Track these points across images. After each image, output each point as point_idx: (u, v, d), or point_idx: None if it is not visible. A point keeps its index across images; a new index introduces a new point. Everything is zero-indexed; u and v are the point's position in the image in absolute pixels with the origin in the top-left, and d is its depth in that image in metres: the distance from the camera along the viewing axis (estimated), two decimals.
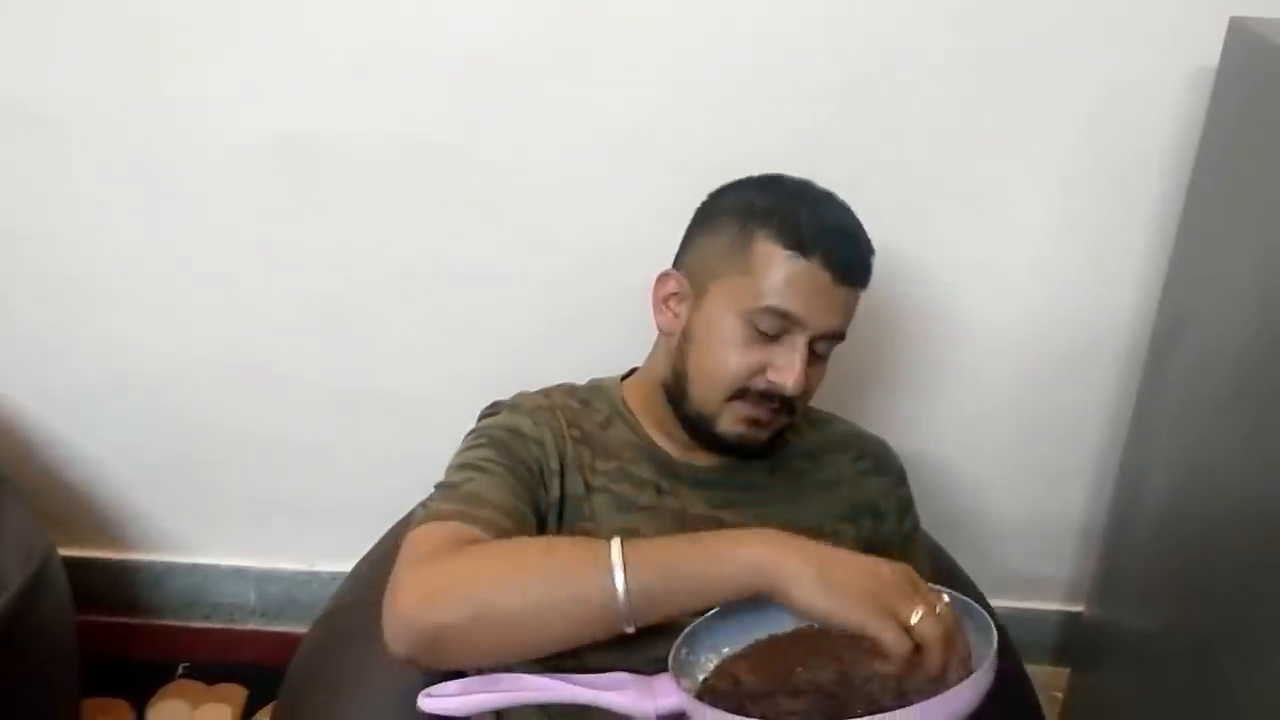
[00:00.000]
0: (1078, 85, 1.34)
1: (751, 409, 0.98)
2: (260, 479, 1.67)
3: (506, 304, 1.51)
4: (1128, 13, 1.30)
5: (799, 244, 0.95)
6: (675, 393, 1.02)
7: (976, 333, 1.50)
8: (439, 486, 0.97)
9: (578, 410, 1.07)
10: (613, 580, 0.80)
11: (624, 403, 1.09)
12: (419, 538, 0.89)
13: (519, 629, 0.82)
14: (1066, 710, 1.66)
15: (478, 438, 1.01)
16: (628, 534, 0.86)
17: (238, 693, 1.70)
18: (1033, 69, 1.33)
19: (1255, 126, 1.16)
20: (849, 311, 1.00)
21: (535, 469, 0.99)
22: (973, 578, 1.35)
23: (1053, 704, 1.67)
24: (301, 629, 1.32)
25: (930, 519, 1.20)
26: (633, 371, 1.15)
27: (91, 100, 1.40)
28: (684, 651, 0.85)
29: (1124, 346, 1.50)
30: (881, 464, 1.12)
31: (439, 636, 0.83)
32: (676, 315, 1.03)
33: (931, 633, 0.75)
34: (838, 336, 0.99)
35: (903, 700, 0.76)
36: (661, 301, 1.05)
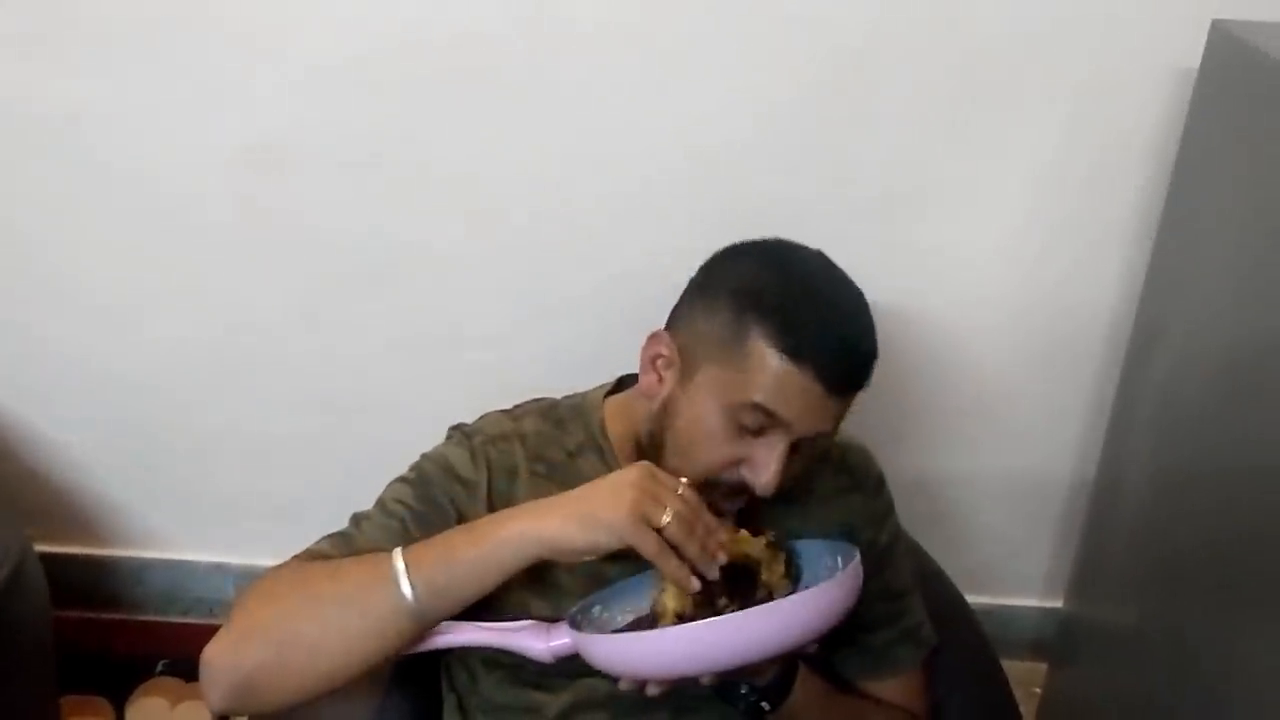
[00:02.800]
0: (1058, 84, 1.35)
1: (720, 498, 0.95)
2: (238, 475, 1.66)
3: (485, 301, 1.51)
4: (1110, 12, 1.30)
5: (795, 350, 0.89)
6: (650, 454, 0.98)
7: (953, 329, 1.51)
8: (351, 519, 1.01)
9: (548, 436, 1.05)
10: (399, 589, 0.87)
11: (602, 428, 1.05)
12: (260, 579, 0.93)
13: (326, 656, 0.88)
14: (1044, 705, 1.67)
15: (412, 469, 1.04)
16: (596, 577, 0.96)
17: None
18: (1013, 66, 1.34)
19: (1236, 128, 1.17)
20: (841, 416, 0.95)
21: (450, 513, 0.98)
22: (950, 574, 1.36)
23: (1031, 699, 1.68)
24: None
25: (906, 516, 1.21)
26: (620, 383, 1.11)
27: (62, 102, 1.39)
28: (597, 609, 0.94)
29: (1103, 343, 1.51)
30: (858, 477, 1.10)
31: (249, 681, 0.88)
32: (661, 381, 0.98)
33: (677, 529, 0.85)
34: (826, 436, 0.96)
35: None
36: (650, 361, 0.99)
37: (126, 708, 1.67)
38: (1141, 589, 1.36)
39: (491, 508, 0.98)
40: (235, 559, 1.74)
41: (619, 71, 1.35)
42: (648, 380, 0.99)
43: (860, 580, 0.89)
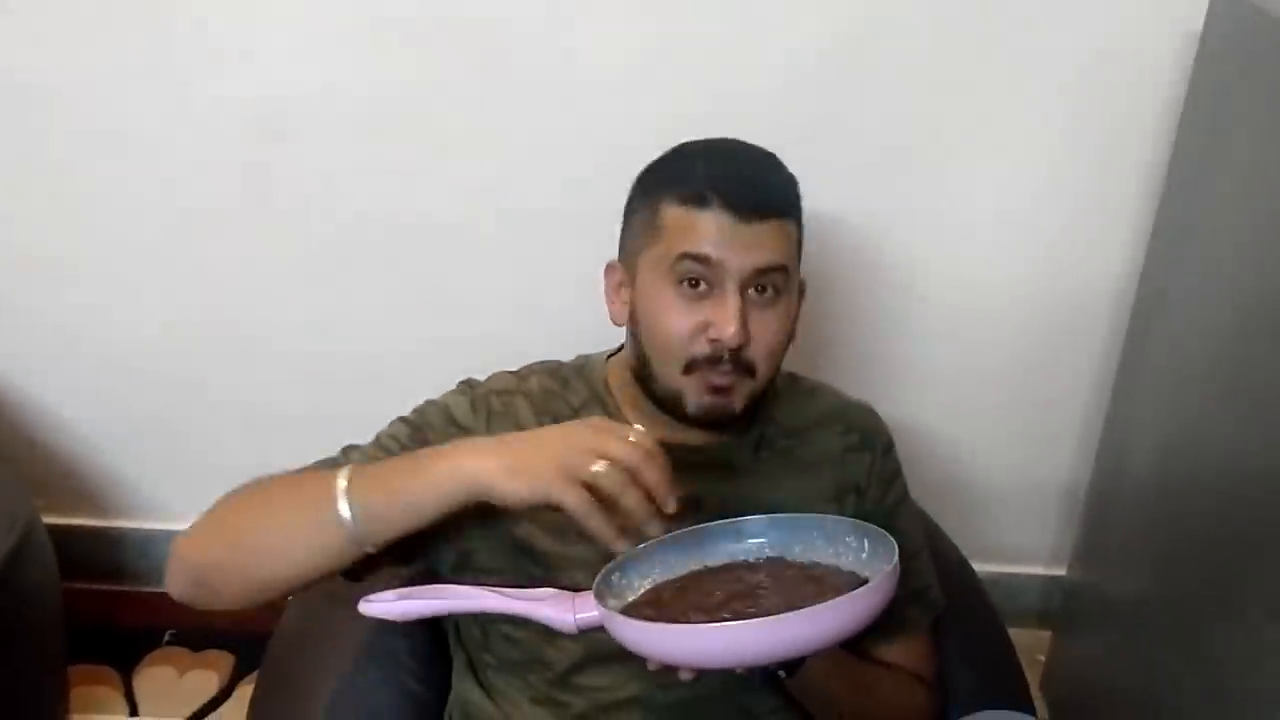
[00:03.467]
0: (1061, 50, 1.34)
1: (709, 377, 0.96)
2: (243, 446, 1.64)
3: (488, 273, 1.51)
4: None
5: (697, 196, 0.94)
6: (643, 376, 1.01)
7: (960, 299, 1.51)
8: (342, 449, 1.02)
9: (553, 393, 1.06)
10: (337, 508, 0.85)
11: (605, 385, 1.07)
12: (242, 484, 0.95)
13: (269, 563, 0.89)
14: (1048, 673, 1.68)
15: (414, 411, 1.05)
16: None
17: (225, 659, 1.70)
18: (1016, 33, 1.33)
19: (1240, 92, 1.16)
20: (778, 246, 0.96)
21: None
22: (957, 542, 1.36)
23: (1035, 666, 1.69)
24: None
25: (914, 485, 1.21)
26: (623, 348, 1.13)
27: (60, 67, 1.39)
28: (616, 576, 0.90)
29: (1108, 312, 1.51)
30: (867, 437, 1.10)
31: (204, 576, 0.92)
32: (625, 303, 1.02)
33: (610, 481, 0.79)
34: (776, 272, 0.96)
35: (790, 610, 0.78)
36: (613, 292, 1.04)
37: (134, 677, 1.68)
38: (1146, 557, 1.36)
39: None
40: None
41: (627, 40, 1.34)
42: (614, 309, 1.04)
43: (898, 576, 0.85)
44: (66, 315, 1.57)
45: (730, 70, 1.36)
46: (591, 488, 0.79)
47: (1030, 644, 1.71)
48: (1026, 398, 1.59)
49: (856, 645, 1.09)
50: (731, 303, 0.93)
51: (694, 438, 1.03)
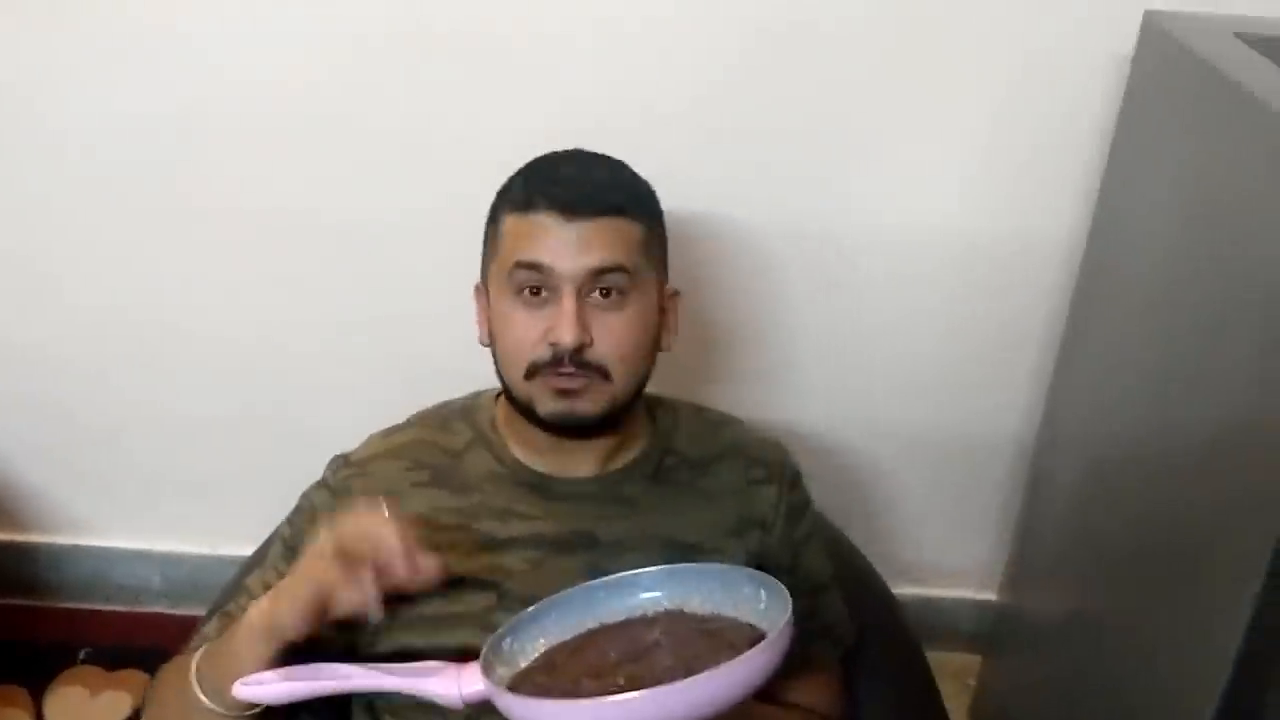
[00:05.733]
0: (996, 58, 1.33)
1: (553, 381, 0.95)
2: (158, 457, 1.63)
3: (414, 279, 1.48)
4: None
5: (525, 200, 0.95)
6: (507, 394, 1.00)
7: (889, 313, 1.49)
8: (238, 587, 1.06)
9: (428, 443, 1.05)
10: (199, 695, 0.91)
11: (493, 423, 1.05)
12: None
13: None
14: (979, 698, 1.67)
15: (287, 520, 1.07)
16: (495, 571, 0.95)
17: (139, 679, 1.66)
18: (952, 47, 1.32)
19: (1167, 119, 1.16)
20: (613, 245, 0.95)
21: None
22: (885, 567, 1.35)
23: (966, 692, 1.68)
24: None
25: (842, 507, 1.19)
26: None
27: None
28: (507, 641, 0.89)
29: (1038, 333, 1.49)
30: (772, 469, 1.08)
31: None
32: (486, 323, 1.02)
33: (358, 587, 0.84)
34: (614, 273, 0.94)
35: (685, 673, 0.77)
36: (480, 314, 1.04)
37: (45, 698, 1.63)
38: (1072, 581, 1.36)
39: None
40: (158, 545, 1.71)
41: (561, 39, 1.32)
42: (480, 331, 1.03)
43: (793, 624, 0.84)
44: None
45: (670, 65, 1.34)
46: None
47: (961, 669, 1.70)
48: (954, 419, 1.58)
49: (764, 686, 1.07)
50: (567, 305, 0.93)
51: (585, 468, 1.01)
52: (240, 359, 1.55)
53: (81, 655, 1.69)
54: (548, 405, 0.95)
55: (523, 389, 0.96)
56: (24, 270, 1.50)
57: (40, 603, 1.73)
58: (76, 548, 1.71)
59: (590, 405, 0.95)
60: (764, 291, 1.47)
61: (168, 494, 1.67)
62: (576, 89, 1.36)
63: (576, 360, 0.93)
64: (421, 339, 1.50)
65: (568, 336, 0.92)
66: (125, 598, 1.74)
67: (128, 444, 1.62)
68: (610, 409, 0.96)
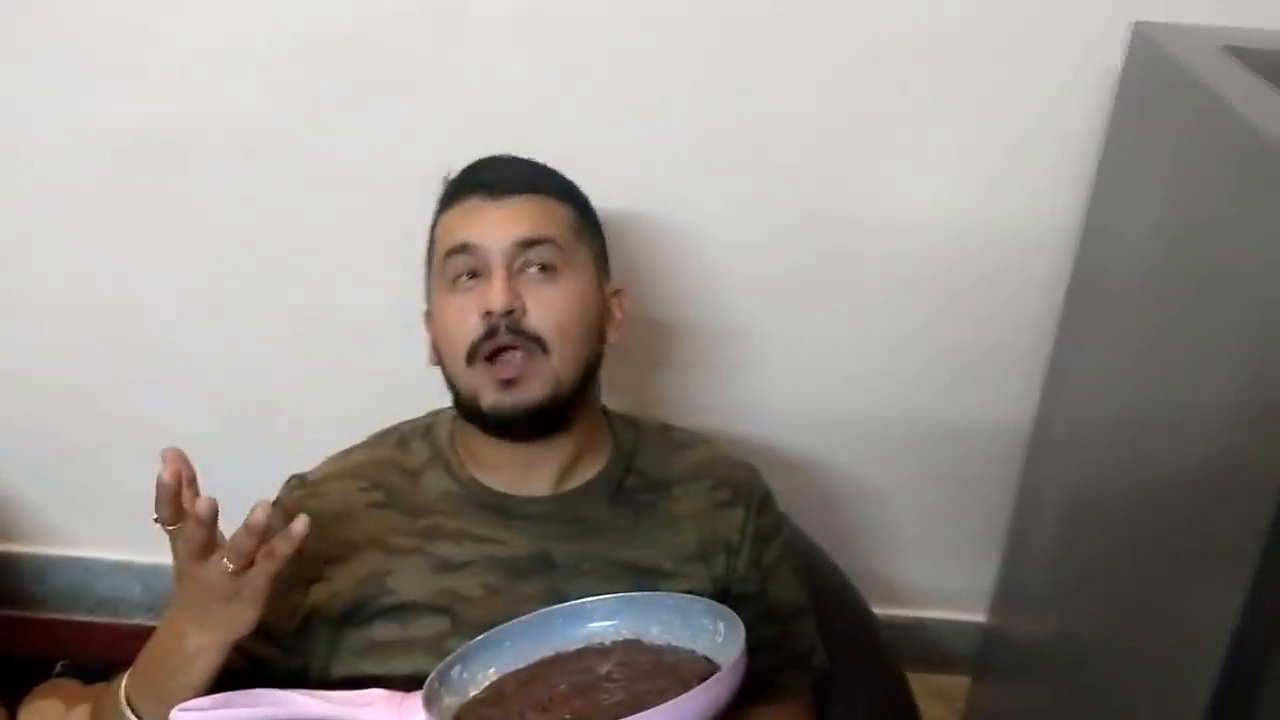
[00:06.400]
0: (985, 68, 1.31)
1: (490, 364, 0.94)
2: (140, 471, 1.58)
3: (388, 297, 1.45)
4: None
5: (453, 194, 0.99)
6: (455, 400, 0.99)
7: (872, 321, 1.46)
8: None
9: (387, 461, 1.04)
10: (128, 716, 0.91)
11: (450, 441, 1.04)
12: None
13: None
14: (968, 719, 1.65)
15: None
16: (449, 597, 0.93)
17: None
18: (939, 61, 1.31)
19: (1156, 130, 1.15)
20: (538, 219, 0.96)
21: (282, 586, 0.95)
22: (873, 588, 1.33)
23: (955, 715, 1.66)
24: None
25: (829, 528, 1.17)
26: None
27: None
28: (457, 670, 0.88)
29: (1026, 356, 1.46)
30: (740, 492, 1.05)
31: None
32: (429, 344, 1.03)
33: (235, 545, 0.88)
34: (542, 245, 0.95)
35: (633, 709, 0.76)
36: (428, 339, 1.04)
37: (19, 711, 1.61)
38: (1059, 603, 1.33)
39: (326, 562, 0.98)
40: (140, 557, 1.69)
41: (527, 58, 1.31)
42: (429, 351, 1.04)
43: (745, 660, 0.83)
44: None
45: (644, 65, 1.32)
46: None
47: (951, 691, 1.67)
48: (943, 442, 1.55)
49: (731, 716, 1.05)
50: (497, 275, 0.93)
51: (542, 485, 0.99)
52: (223, 377, 1.54)
53: (58, 668, 1.68)
54: (489, 397, 0.94)
55: (466, 381, 0.95)
56: (5, 290, 1.49)
57: (20, 613, 1.71)
58: (58, 559, 1.69)
59: (533, 391, 0.93)
60: (746, 300, 1.45)
61: (147, 507, 1.64)
62: (548, 132, 1.33)
63: (511, 326, 0.92)
64: (412, 359, 1.49)
65: (498, 302, 0.92)
66: (107, 610, 1.72)
67: (108, 459, 1.61)
68: (554, 393, 0.94)
